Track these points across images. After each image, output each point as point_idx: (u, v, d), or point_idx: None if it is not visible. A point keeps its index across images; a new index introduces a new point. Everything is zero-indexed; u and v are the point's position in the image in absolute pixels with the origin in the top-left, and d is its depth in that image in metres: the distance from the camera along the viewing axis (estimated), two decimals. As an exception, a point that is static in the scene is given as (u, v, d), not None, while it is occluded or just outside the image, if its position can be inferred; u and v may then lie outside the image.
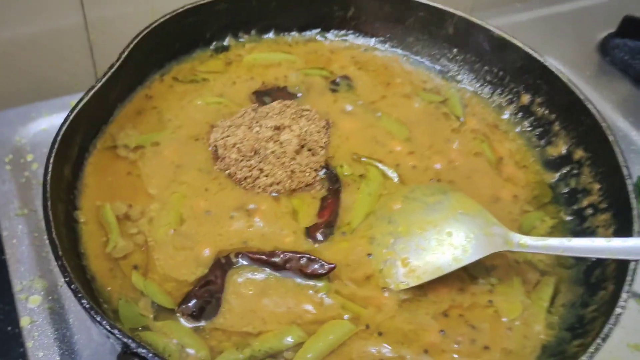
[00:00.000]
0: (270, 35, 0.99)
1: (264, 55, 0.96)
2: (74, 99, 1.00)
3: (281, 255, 0.68)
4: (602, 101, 1.18)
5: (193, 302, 0.65)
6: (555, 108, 0.87)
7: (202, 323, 0.65)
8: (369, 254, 0.72)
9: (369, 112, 0.89)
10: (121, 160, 0.80)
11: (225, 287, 0.67)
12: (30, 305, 0.76)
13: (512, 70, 0.91)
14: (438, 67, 0.98)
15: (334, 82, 0.93)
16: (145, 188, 0.77)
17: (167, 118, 0.85)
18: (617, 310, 0.62)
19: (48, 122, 0.97)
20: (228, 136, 0.79)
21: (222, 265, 0.68)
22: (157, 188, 0.77)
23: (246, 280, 0.68)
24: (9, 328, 0.76)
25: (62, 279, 0.78)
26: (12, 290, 0.78)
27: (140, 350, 0.55)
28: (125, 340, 0.55)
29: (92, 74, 1.12)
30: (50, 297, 0.77)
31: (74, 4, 1.05)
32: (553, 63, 1.21)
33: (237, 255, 0.69)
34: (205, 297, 0.65)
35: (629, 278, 0.64)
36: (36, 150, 0.93)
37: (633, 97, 1.20)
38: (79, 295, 0.57)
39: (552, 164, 0.86)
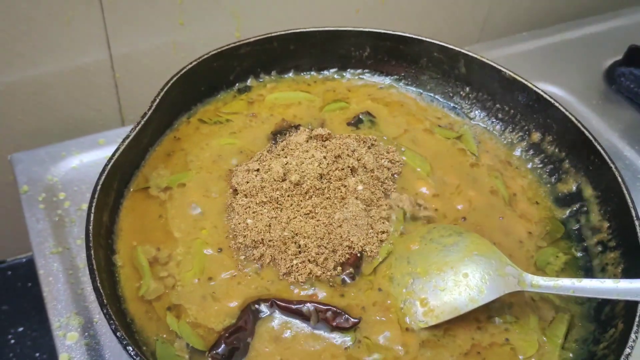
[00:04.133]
0: (290, 74, 1.03)
1: (285, 95, 1.00)
2: (102, 137, 1.05)
3: (308, 306, 0.71)
4: (608, 129, 1.21)
5: (222, 347, 0.68)
6: (565, 146, 0.90)
7: (232, 366, 0.68)
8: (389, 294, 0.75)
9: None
10: (153, 201, 0.82)
11: (254, 335, 0.70)
12: (68, 342, 0.80)
13: (523, 108, 0.95)
14: (451, 104, 1.02)
15: (357, 119, 0.96)
16: (171, 231, 0.79)
17: (189, 159, 0.88)
18: (627, 350, 0.65)
19: (78, 161, 1.01)
20: (247, 182, 0.81)
21: (253, 313, 0.71)
22: (181, 232, 0.79)
23: (274, 328, 0.71)
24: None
25: (97, 315, 0.83)
26: (50, 328, 0.82)
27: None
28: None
29: (117, 110, 1.16)
30: (86, 334, 0.81)
31: (100, 41, 1.09)
32: (561, 94, 1.25)
33: (265, 303, 0.72)
34: (234, 343, 0.68)
35: (637, 320, 0.67)
36: (68, 188, 0.97)
37: (639, 126, 1.23)
38: (125, 342, 0.61)
39: (563, 201, 0.89)
